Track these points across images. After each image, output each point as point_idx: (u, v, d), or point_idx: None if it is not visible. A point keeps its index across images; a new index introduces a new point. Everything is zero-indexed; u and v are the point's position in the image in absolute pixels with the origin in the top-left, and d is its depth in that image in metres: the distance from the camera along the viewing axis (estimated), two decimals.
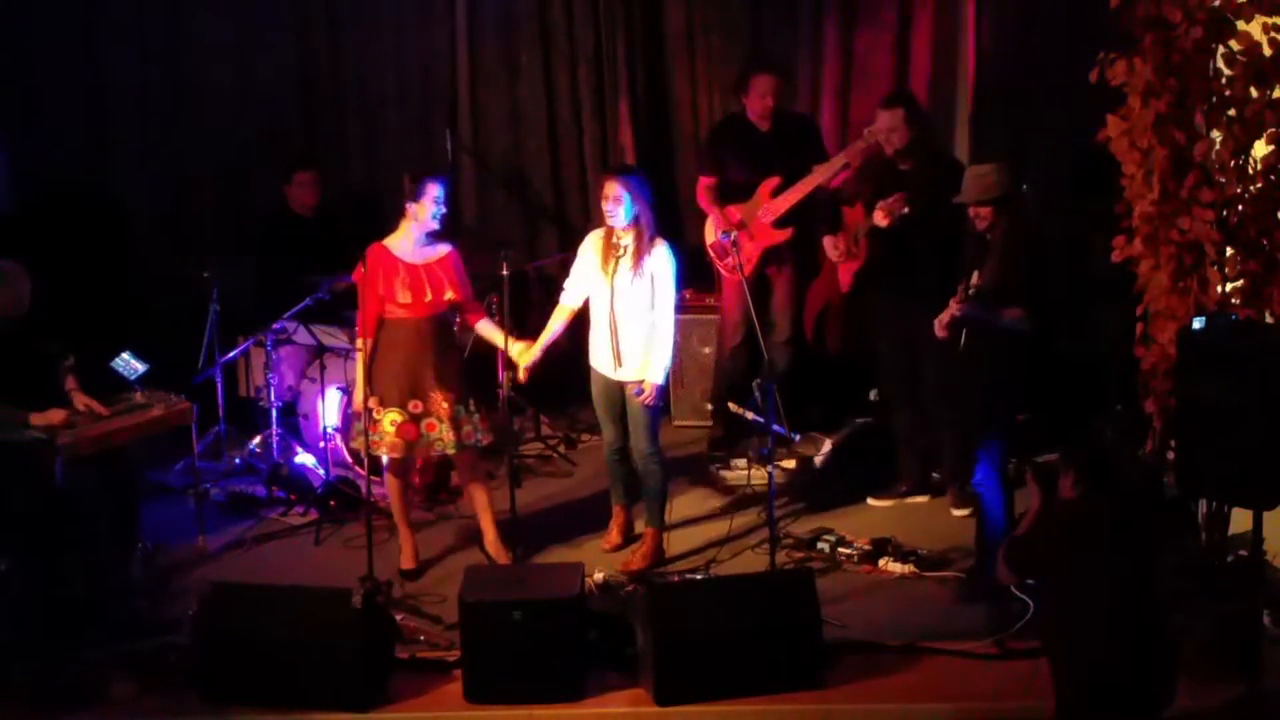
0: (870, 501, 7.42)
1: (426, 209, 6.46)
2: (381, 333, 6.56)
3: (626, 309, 6.55)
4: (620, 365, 6.61)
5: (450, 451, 6.67)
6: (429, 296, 6.51)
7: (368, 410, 6.47)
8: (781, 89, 7.89)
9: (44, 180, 8.85)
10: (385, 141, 9.13)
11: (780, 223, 7.78)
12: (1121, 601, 4.88)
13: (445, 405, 6.56)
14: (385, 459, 6.68)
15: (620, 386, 6.68)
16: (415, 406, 6.53)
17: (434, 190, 6.45)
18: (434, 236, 6.55)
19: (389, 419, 6.52)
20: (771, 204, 7.77)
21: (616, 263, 6.53)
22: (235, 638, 5.79)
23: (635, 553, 6.82)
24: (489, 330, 6.76)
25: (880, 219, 6.97)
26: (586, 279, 6.66)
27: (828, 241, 7.45)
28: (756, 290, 7.86)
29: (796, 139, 7.88)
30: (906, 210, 6.88)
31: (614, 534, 6.96)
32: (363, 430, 6.48)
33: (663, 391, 6.70)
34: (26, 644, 6.03)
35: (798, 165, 7.74)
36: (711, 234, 7.94)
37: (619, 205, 6.44)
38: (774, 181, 7.76)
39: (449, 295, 6.55)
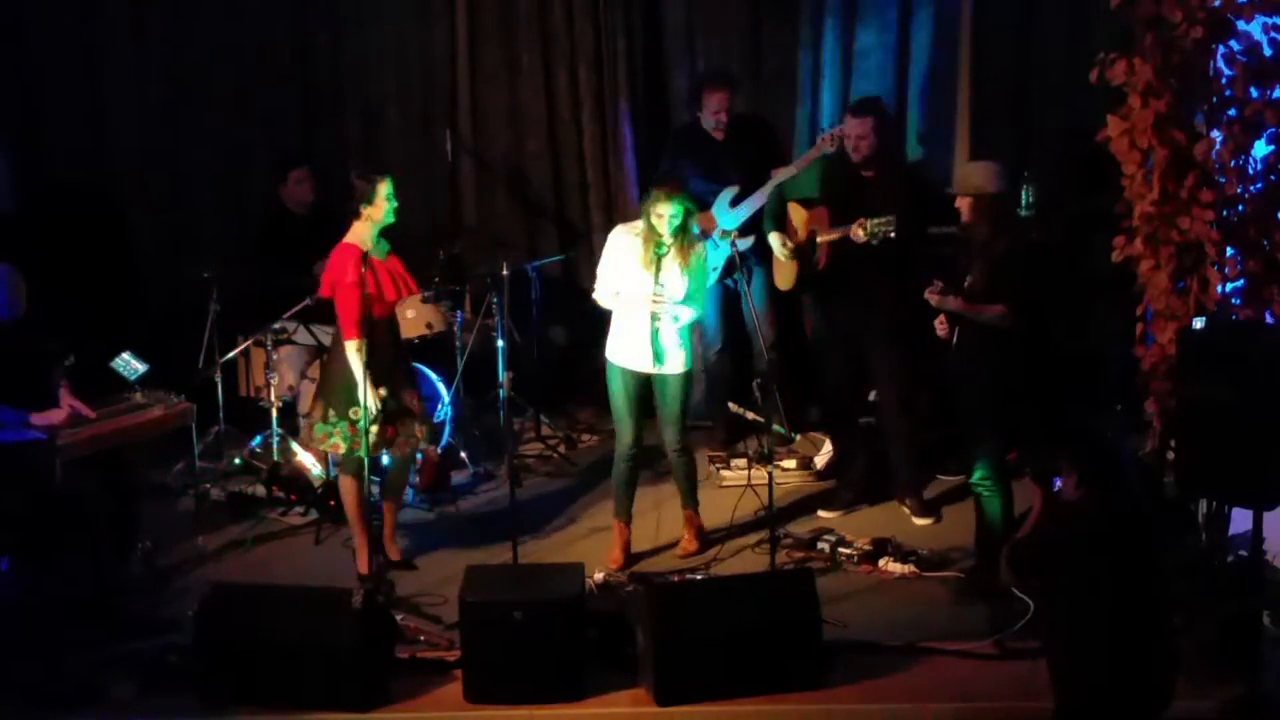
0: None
1: (381, 208, 6.45)
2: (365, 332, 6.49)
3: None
4: (657, 360, 6.64)
5: (423, 447, 6.71)
6: (399, 291, 6.53)
7: (375, 405, 6.43)
8: (733, 102, 7.85)
9: (44, 180, 8.86)
10: (385, 141, 9.14)
11: (743, 230, 7.73)
12: (1122, 602, 4.88)
13: (417, 402, 6.63)
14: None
15: (649, 381, 6.70)
16: (393, 405, 6.52)
17: (384, 189, 6.45)
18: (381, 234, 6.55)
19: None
20: (733, 212, 7.75)
21: (659, 260, 6.56)
22: (235, 638, 5.78)
23: (686, 539, 6.90)
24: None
25: (858, 234, 6.86)
26: (623, 274, 6.64)
27: (775, 239, 7.38)
28: (732, 297, 7.88)
29: (752, 145, 7.87)
30: (891, 234, 6.80)
31: (618, 552, 6.85)
32: (359, 431, 6.42)
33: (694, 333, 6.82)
34: (26, 644, 6.03)
35: (756, 171, 7.71)
36: None
37: (673, 221, 6.51)
38: (734, 190, 7.75)
39: (409, 289, 6.59)
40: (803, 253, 7.27)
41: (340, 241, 6.48)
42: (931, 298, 6.24)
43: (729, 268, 7.73)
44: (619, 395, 6.74)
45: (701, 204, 7.89)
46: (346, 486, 6.63)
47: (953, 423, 6.95)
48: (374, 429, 6.40)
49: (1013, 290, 6.12)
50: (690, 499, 6.97)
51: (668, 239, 6.54)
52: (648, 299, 6.55)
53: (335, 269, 6.41)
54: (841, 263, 7.07)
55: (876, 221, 6.77)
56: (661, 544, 6.99)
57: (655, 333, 6.60)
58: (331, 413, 6.46)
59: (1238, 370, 5.67)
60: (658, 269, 6.56)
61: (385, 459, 6.73)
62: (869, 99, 7.39)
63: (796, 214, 7.37)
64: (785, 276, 7.51)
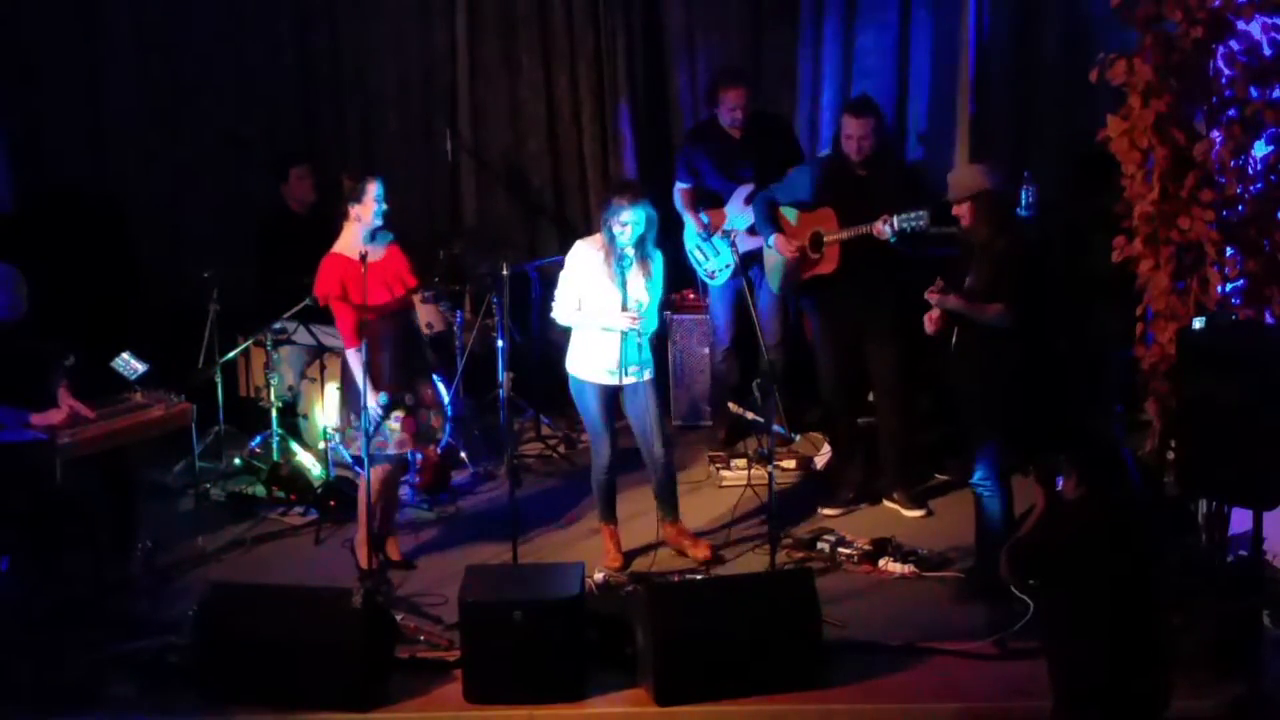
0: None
1: (369, 208, 6.45)
2: (364, 336, 6.50)
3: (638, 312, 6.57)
4: (627, 371, 6.61)
5: (440, 438, 6.76)
6: (392, 292, 6.52)
7: (374, 408, 6.43)
8: (750, 99, 7.83)
9: (44, 180, 8.86)
10: (385, 141, 9.14)
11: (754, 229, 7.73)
12: (1121, 603, 4.88)
13: (430, 393, 6.67)
14: (389, 455, 6.64)
15: (617, 392, 6.67)
16: (410, 400, 6.54)
17: (373, 189, 6.45)
18: (376, 233, 6.54)
19: (392, 415, 6.50)
20: (747, 210, 7.75)
21: (624, 275, 6.52)
22: (235, 638, 5.78)
23: (692, 549, 6.81)
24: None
25: (882, 230, 6.80)
26: (588, 289, 6.60)
27: (779, 240, 7.32)
28: (741, 297, 7.87)
29: (769, 143, 7.85)
30: (923, 226, 6.73)
31: (615, 553, 6.84)
32: (361, 432, 6.43)
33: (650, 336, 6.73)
34: (26, 644, 6.03)
35: (772, 169, 7.70)
36: (692, 237, 7.93)
37: (636, 229, 6.47)
38: (748, 188, 7.75)
39: (406, 287, 6.58)
40: (803, 255, 7.26)
41: (330, 250, 6.49)
42: (932, 297, 6.24)
43: (736, 268, 7.74)
44: (594, 410, 6.70)
45: (716, 200, 7.91)
46: (376, 476, 6.59)
47: (953, 422, 6.95)
48: (396, 426, 6.46)
49: (1012, 290, 6.12)
50: (674, 511, 6.90)
51: (630, 250, 6.50)
52: (624, 318, 6.52)
53: (323, 282, 6.44)
54: (848, 263, 7.06)
55: (905, 216, 6.73)
56: (658, 541, 6.97)
57: (627, 347, 6.56)
58: (355, 417, 6.51)
59: (1238, 370, 5.67)
60: (624, 284, 6.52)
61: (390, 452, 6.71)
62: (864, 97, 7.39)
63: (793, 217, 7.35)
64: (776, 281, 7.51)
